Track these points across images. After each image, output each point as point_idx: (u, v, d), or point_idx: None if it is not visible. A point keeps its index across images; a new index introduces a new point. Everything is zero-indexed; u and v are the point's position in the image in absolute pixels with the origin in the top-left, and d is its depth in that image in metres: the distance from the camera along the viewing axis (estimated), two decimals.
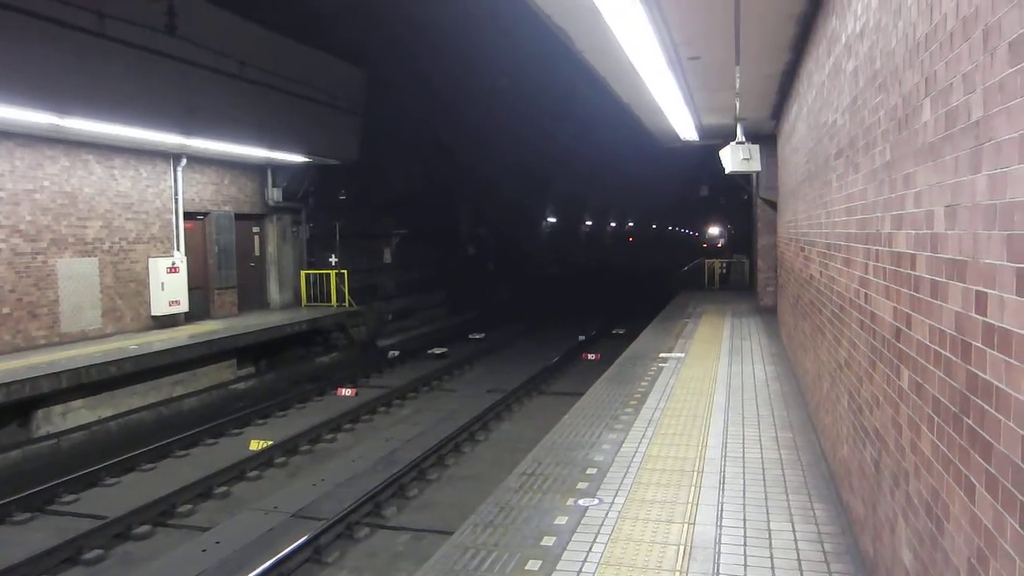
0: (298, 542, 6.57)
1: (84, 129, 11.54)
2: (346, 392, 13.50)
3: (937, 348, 2.54)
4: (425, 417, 11.92)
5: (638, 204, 70.18)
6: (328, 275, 18.63)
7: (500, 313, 25.75)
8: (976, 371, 2.12)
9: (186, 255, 14.94)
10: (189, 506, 8.01)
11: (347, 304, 18.18)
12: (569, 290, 33.79)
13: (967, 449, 2.21)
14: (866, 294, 4.00)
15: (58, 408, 10.52)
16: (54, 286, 12.36)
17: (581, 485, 5.44)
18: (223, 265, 16.28)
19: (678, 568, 4.08)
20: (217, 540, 7.09)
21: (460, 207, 31.62)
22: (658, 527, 4.64)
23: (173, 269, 14.42)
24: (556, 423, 7.38)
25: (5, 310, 11.56)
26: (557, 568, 4.12)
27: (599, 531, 4.61)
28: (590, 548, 4.37)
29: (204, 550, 6.88)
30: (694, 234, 79.40)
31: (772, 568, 4.06)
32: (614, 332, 20.42)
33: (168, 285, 14.30)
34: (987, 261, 2.02)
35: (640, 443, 6.46)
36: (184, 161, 14.82)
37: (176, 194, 14.82)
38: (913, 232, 2.89)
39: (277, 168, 17.63)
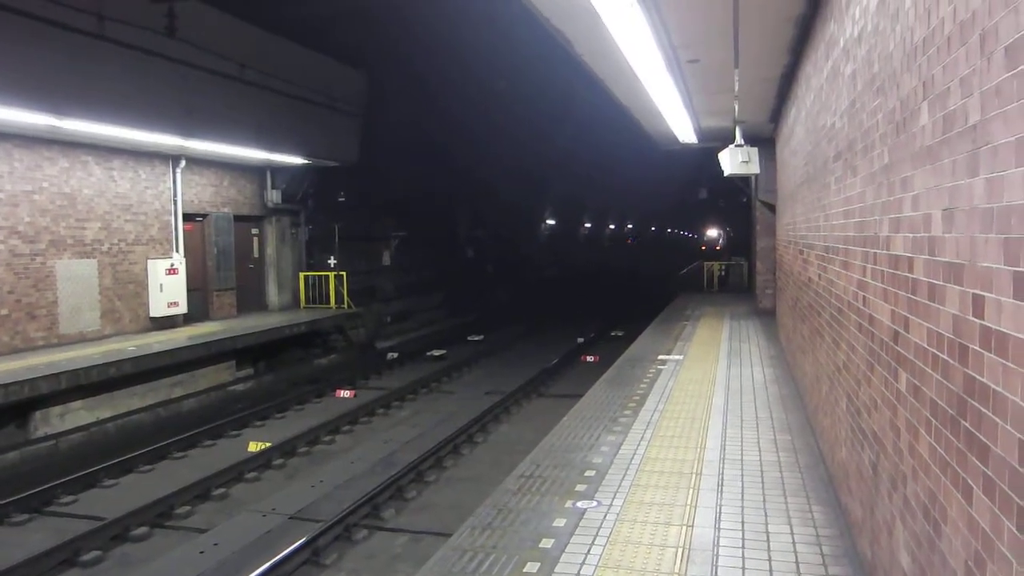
0: (296, 544, 6.57)
1: (83, 130, 11.54)
2: (345, 394, 13.50)
3: (935, 351, 2.55)
4: (424, 419, 11.92)
5: (637, 206, 70.17)
6: (327, 277, 18.63)
7: (499, 315, 25.74)
8: (973, 374, 2.13)
9: (185, 257, 14.93)
10: (187, 507, 8.00)
11: (346, 306, 18.17)
12: (568, 292, 33.79)
13: (964, 452, 2.21)
14: (864, 297, 4.01)
15: (56, 409, 10.51)
16: (53, 287, 12.36)
17: (579, 487, 5.45)
18: (222, 267, 16.27)
19: (676, 570, 4.08)
20: (215, 542, 7.08)
21: (459, 209, 31.63)
22: (656, 529, 4.65)
23: (172, 271, 14.42)
24: (555, 425, 7.38)
25: (4, 311, 11.56)
26: (555, 570, 4.12)
27: (597, 533, 4.61)
28: (588, 550, 4.37)
29: (202, 552, 6.87)
30: (693, 236, 79.49)
31: (770, 571, 4.07)
32: (613, 334, 20.42)
33: (167, 287, 14.30)
34: (984, 264, 2.03)
35: (639, 445, 6.47)
36: (183, 163, 14.82)
37: (175, 196, 14.82)
38: (911, 235, 2.90)
39: (276, 170, 17.64)
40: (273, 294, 18.41)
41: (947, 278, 2.40)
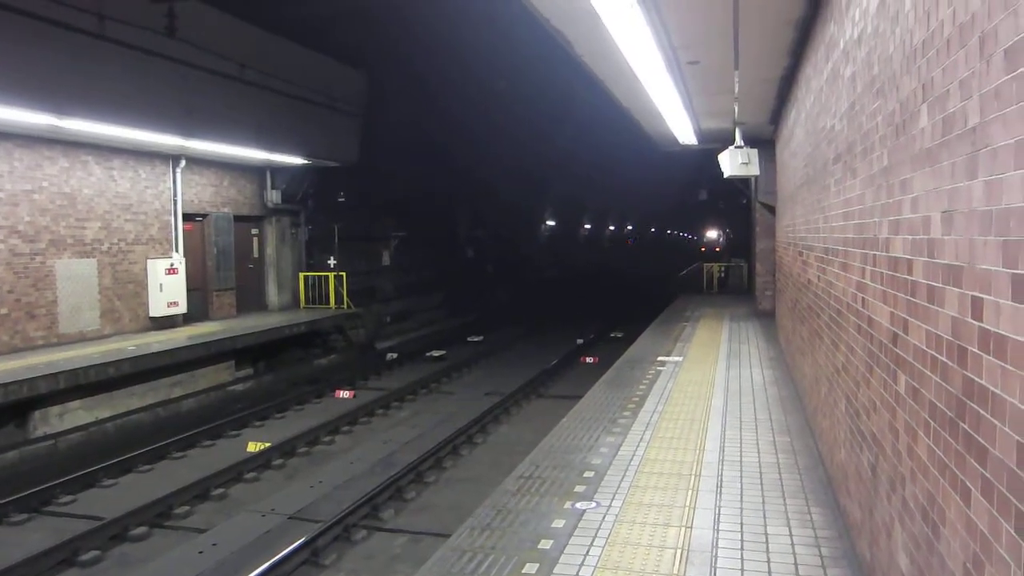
0: (295, 544, 6.56)
1: (83, 130, 11.54)
2: (344, 394, 13.50)
3: (934, 353, 2.55)
4: (423, 419, 11.92)
5: (637, 208, 70.17)
6: (327, 277, 18.63)
7: (499, 316, 25.75)
8: (972, 376, 2.13)
9: (185, 256, 14.94)
10: (186, 508, 8.00)
11: (345, 306, 18.18)
12: (567, 293, 33.80)
13: (963, 454, 2.21)
14: (863, 299, 4.01)
15: (56, 409, 10.51)
16: (52, 287, 12.36)
17: (578, 488, 5.45)
18: (222, 267, 16.28)
19: (675, 572, 4.08)
20: (214, 542, 7.08)
21: (459, 210, 31.63)
22: (655, 531, 4.65)
23: (172, 270, 14.42)
24: (554, 426, 7.38)
25: (3, 311, 11.56)
26: (554, 571, 4.12)
27: (596, 534, 4.61)
28: (587, 551, 4.37)
29: (201, 552, 6.87)
30: (693, 238, 79.50)
31: (769, 572, 4.07)
32: (612, 335, 20.43)
33: (167, 286, 14.30)
34: (983, 267, 2.03)
35: (638, 447, 6.47)
36: (183, 163, 14.83)
37: (175, 195, 14.82)
38: (910, 237, 2.90)
39: (276, 170, 17.64)
40: (273, 294, 18.41)
41: (946, 280, 2.40)
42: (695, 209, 59.40)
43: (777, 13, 6.48)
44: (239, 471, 9.05)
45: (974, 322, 2.11)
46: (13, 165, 11.67)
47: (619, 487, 5.45)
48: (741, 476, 5.66)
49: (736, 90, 7.91)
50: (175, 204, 14.84)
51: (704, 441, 6.61)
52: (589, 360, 16.54)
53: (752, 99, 10.22)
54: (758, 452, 6.27)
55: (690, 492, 5.33)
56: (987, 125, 1.99)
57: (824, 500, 5.13)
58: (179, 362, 12.43)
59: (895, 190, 3.18)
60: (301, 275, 18.79)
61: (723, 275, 25.00)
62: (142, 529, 7.38)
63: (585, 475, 5.74)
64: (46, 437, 10.17)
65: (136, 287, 14.00)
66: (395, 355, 17.68)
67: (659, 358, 10.99)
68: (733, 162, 8.97)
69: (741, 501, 5.13)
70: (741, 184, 17.55)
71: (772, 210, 14.53)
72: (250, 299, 17.51)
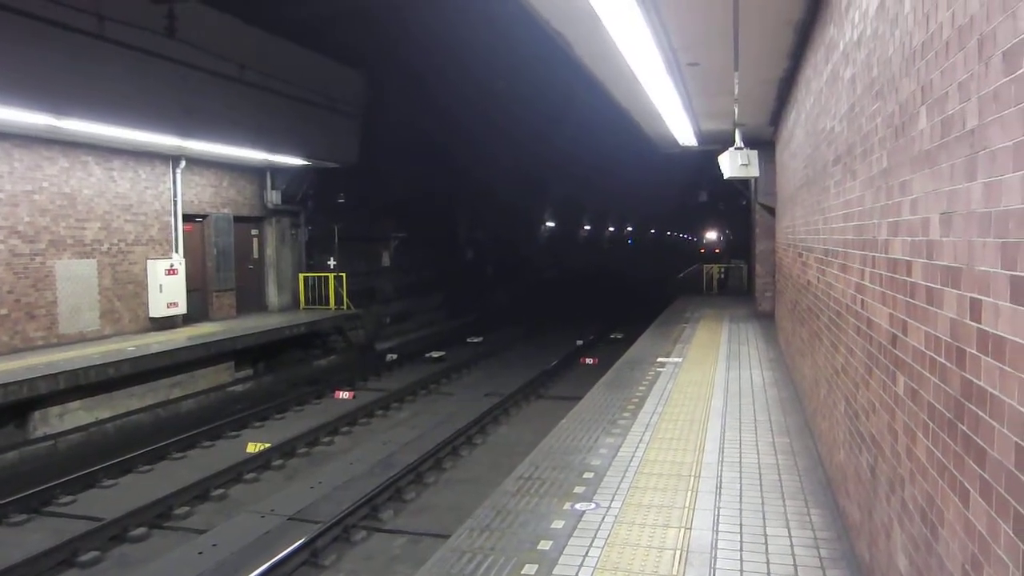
0: (295, 545, 6.57)
1: (83, 131, 11.55)
2: (344, 395, 13.50)
3: (932, 354, 2.56)
4: (423, 420, 11.92)
5: (636, 209, 70.19)
6: (326, 278, 18.63)
7: (498, 317, 25.76)
8: (971, 378, 2.13)
9: (185, 257, 14.94)
10: (186, 508, 8.00)
11: (345, 307, 18.18)
12: (567, 294, 33.80)
13: (961, 455, 2.22)
14: (863, 300, 4.02)
15: (55, 409, 10.51)
16: (52, 287, 12.36)
17: (578, 489, 5.45)
18: (221, 267, 16.28)
19: (674, 573, 4.08)
20: (214, 543, 7.08)
21: (458, 211, 31.63)
22: (654, 532, 4.65)
23: (171, 271, 14.42)
24: (554, 427, 7.39)
25: (3, 311, 11.56)
26: (553, 572, 4.13)
27: (595, 535, 4.62)
28: (586, 552, 4.37)
29: (201, 552, 6.87)
30: (692, 239, 79.51)
31: (768, 573, 4.07)
32: (612, 337, 20.44)
33: (166, 287, 14.30)
34: (982, 268, 2.04)
35: (637, 448, 6.47)
36: (183, 163, 14.83)
37: (175, 196, 14.83)
38: (909, 239, 2.91)
39: (276, 171, 17.64)
40: (273, 295, 18.41)
41: (945, 282, 2.40)
42: (695, 210, 59.38)
43: (777, 15, 6.49)
44: (239, 472, 9.05)
45: (973, 323, 2.12)
46: (13, 166, 11.68)
47: (618, 488, 5.46)
48: (740, 477, 5.67)
49: (736, 92, 7.92)
50: (175, 205, 14.84)
51: (704, 442, 6.61)
52: (589, 361, 16.54)
53: (752, 101, 10.23)
54: (757, 453, 6.27)
55: (689, 493, 5.33)
56: (986, 127, 2.00)
57: (823, 501, 5.13)
58: (179, 363, 12.43)
59: (894, 192, 3.19)
60: (301, 276, 18.80)
61: (723, 276, 25.01)
62: (142, 530, 7.38)
63: (584, 476, 5.75)
64: (46, 437, 10.17)
65: (136, 288, 14.01)
66: (395, 356, 17.68)
67: (659, 359, 10.99)
68: (733, 163, 8.98)
69: (740, 502, 5.14)
70: (741, 185, 17.57)
71: (772, 211, 14.54)
72: (250, 300, 17.51)
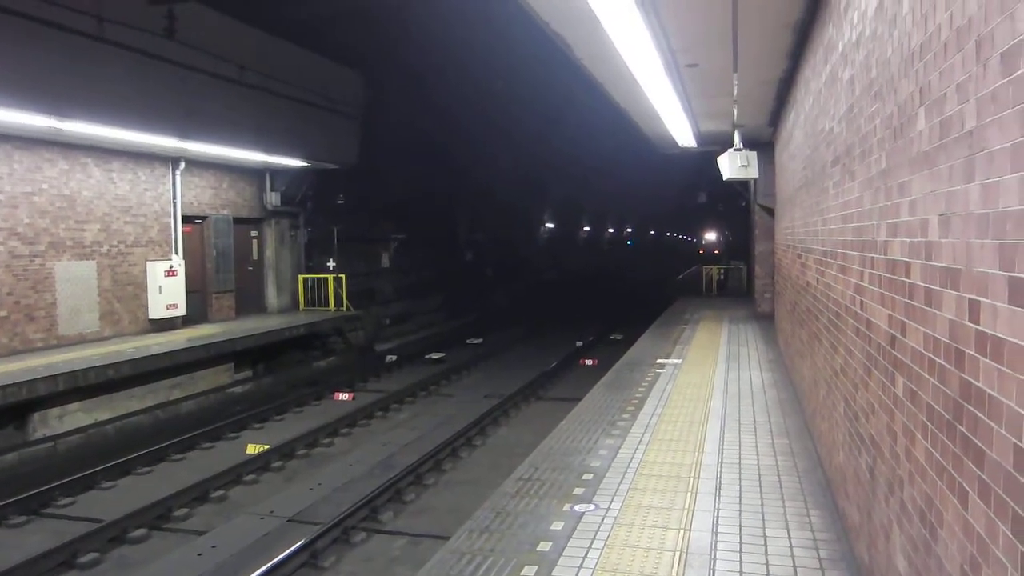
0: (294, 547, 6.56)
1: (82, 132, 11.55)
2: (343, 396, 13.49)
3: (931, 356, 2.56)
4: (422, 422, 11.92)
5: (636, 210, 70.22)
6: (326, 279, 18.63)
7: (498, 318, 25.76)
8: (969, 379, 2.13)
9: (184, 259, 14.94)
10: (185, 510, 8.00)
11: (345, 308, 18.18)
12: (567, 295, 33.81)
13: (960, 456, 2.22)
14: (862, 301, 4.02)
15: (55, 411, 10.51)
16: (52, 289, 12.36)
17: (577, 491, 5.45)
18: (221, 269, 16.28)
19: (673, 574, 4.08)
20: (213, 544, 7.08)
21: (458, 212, 31.64)
22: (654, 533, 4.65)
23: (171, 272, 14.42)
24: (553, 428, 7.39)
25: (3, 313, 11.55)
26: (553, 574, 4.13)
27: (595, 537, 4.61)
28: (586, 554, 4.37)
29: (200, 554, 6.87)
30: (692, 240, 79.55)
31: (768, 575, 4.07)
32: (612, 338, 20.43)
33: (166, 288, 14.29)
34: (980, 270, 2.04)
35: (637, 449, 6.47)
36: (183, 165, 14.83)
37: (174, 198, 14.83)
38: (908, 240, 2.91)
39: (276, 172, 17.65)
40: (272, 296, 18.41)
41: (943, 283, 2.41)
42: (694, 211, 59.39)
43: (776, 16, 6.50)
44: (238, 473, 9.05)
45: (971, 325, 2.12)
46: (13, 167, 11.68)
47: (618, 489, 5.45)
48: (740, 478, 5.67)
49: (735, 93, 7.93)
50: (174, 206, 14.84)
51: (703, 443, 6.61)
52: (588, 362, 16.54)
53: (751, 101, 10.24)
54: (757, 454, 6.27)
55: (689, 494, 5.33)
56: (984, 128, 2.00)
57: (823, 502, 5.13)
58: (178, 364, 12.42)
59: (893, 193, 3.19)
60: (300, 277, 18.79)
61: (722, 277, 25.01)
62: (141, 531, 7.38)
63: (584, 477, 5.75)
64: (45, 439, 10.17)
65: (135, 289, 14.00)
66: (394, 357, 17.67)
67: (658, 360, 10.99)
68: (732, 164, 8.99)
69: (740, 503, 5.14)
70: (740, 186, 17.57)
71: (771, 212, 14.54)
72: (249, 301, 17.50)
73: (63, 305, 12.56)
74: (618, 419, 7.53)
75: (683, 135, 13.43)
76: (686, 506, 5.10)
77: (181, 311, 14.65)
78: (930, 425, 2.57)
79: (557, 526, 4.79)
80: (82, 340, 12.85)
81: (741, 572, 4.10)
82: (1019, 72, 1.74)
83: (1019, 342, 1.75)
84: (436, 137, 24.95)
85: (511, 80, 25.50)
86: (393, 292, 23.51)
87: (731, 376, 9.66)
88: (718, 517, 4.89)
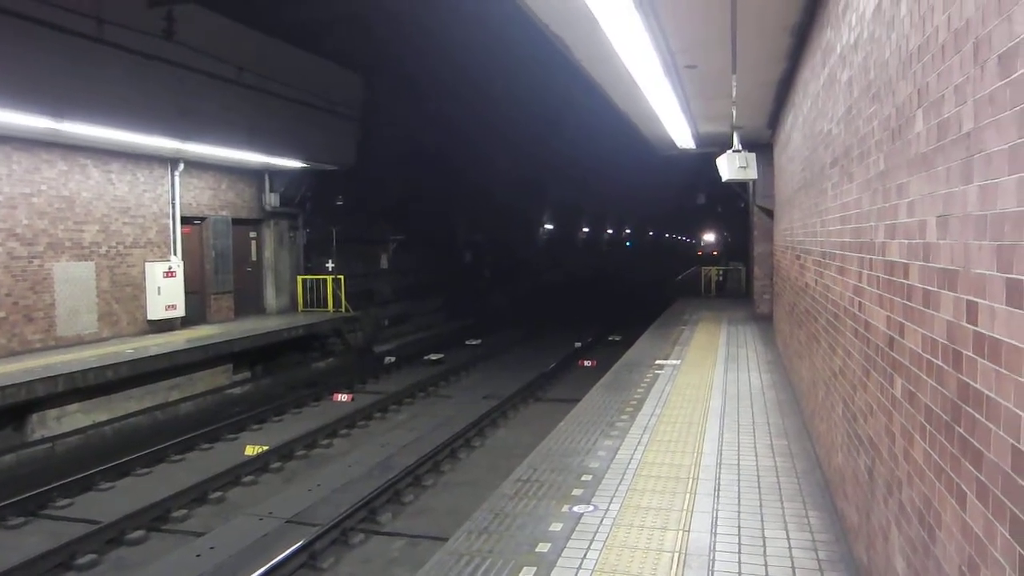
0: (293, 548, 6.56)
1: (81, 133, 11.54)
2: (342, 397, 13.49)
3: (929, 357, 2.56)
4: (421, 423, 11.92)
5: (635, 211, 70.27)
6: (325, 280, 18.63)
7: (497, 319, 25.76)
8: (967, 380, 2.14)
9: (183, 260, 14.93)
10: (184, 511, 7.99)
11: (344, 309, 18.17)
12: (565, 296, 33.82)
13: (958, 457, 2.22)
14: (860, 303, 4.02)
15: (53, 412, 10.50)
16: (50, 290, 12.35)
17: (576, 492, 5.45)
18: (220, 270, 16.27)
19: (673, 575, 4.08)
20: (212, 545, 7.08)
21: (456, 213, 31.63)
22: (653, 534, 4.65)
23: (170, 273, 14.41)
24: (552, 429, 7.39)
25: (1, 314, 11.55)
26: (551, 575, 4.13)
27: (594, 538, 4.61)
28: (585, 555, 4.37)
29: (198, 555, 6.87)
30: (691, 241, 79.58)
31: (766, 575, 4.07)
32: (610, 339, 20.44)
33: (165, 289, 14.29)
34: (978, 271, 2.04)
35: (635, 450, 6.47)
36: (181, 166, 14.83)
37: (173, 199, 14.82)
38: (906, 241, 2.91)
39: (274, 173, 17.64)
40: (271, 297, 18.40)
41: (941, 284, 2.41)
42: (693, 213, 59.42)
43: (774, 18, 6.51)
44: (237, 474, 9.04)
45: (969, 326, 2.12)
46: (11, 168, 11.67)
47: (617, 490, 5.46)
48: (739, 479, 5.67)
49: (734, 94, 7.94)
50: (173, 207, 14.84)
51: (702, 444, 6.62)
52: (587, 363, 16.54)
53: (750, 103, 10.24)
54: (756, 455, 6.28)
55: (688, 495, 5.33)
56: (981, 130, 2.01)
57: (821, 503, 5.13)
58: (177, 365, 12.42)
59: (891, 194, 3.20)
60: (299, 278, 18.79)
61: (721, 279, 25.02)
62: (139, 532, 7.37)
63: (583, 478, 5.75)
64: (44, 440, 10.16)
65: (134, 290, 14.00)
66: (393, 358, 17.67)
67: (657, 361, 10.99)
68: (731, 166, 9.00)
69: (739, 504, 5.14)
70: (739, 188, 17.59)
71: (770, 214, 14.55)
72: (248, 302, 17.50)
73: (62, 306, 12.55)
74: (617, 420, 7.53)
75: (682, 137, 13.44)
76: (685, 507, 5.10)
77: (180, 312, 14.64)
78: (928, 426, 2.57)
79: (556, 527, 4.79)
80: (80, 341, 12.84)
81: (740, 573, 4.10)
82: (1017, 74, 1.75)
83: (1017, 343, 1.76)
84: (435, 138, 24.95)
85: (510, 82, 25.52)
86: (392, 293, 23.51)
87: (730, 377, 9.67)
88: (717, 518, 4.90)
